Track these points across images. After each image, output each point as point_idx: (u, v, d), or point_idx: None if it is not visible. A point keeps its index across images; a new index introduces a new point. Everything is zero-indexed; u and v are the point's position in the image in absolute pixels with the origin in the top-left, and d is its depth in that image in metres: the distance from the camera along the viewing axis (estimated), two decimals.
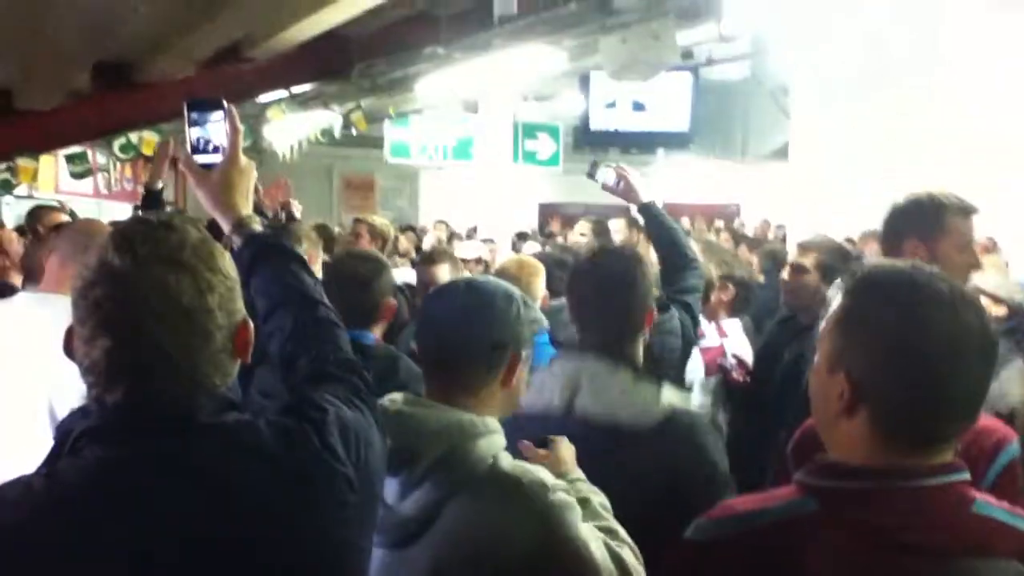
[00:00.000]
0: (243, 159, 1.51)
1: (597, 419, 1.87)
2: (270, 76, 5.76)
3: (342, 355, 1.36)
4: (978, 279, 3.42)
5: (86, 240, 2.35)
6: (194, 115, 1.52)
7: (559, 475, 1.61)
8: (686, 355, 2.75)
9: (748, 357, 3.38)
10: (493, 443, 1.52)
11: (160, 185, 3.61)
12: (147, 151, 7.74)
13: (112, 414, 1.10)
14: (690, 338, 2.72)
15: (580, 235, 5.73)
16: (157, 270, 1.10)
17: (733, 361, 3.30)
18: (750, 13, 4.52)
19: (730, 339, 3.32)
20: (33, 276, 3.09)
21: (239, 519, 1.10)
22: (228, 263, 1.19)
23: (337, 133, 8.60)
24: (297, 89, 6.81)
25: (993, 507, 1.18)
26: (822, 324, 1.25)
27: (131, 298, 1.09)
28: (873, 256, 5.59)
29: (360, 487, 1.18)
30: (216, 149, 1.51)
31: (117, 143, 7.52)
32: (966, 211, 2.31)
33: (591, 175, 3.11)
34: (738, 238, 8.45)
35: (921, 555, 1.13)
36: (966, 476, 1.18)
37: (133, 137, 7.50)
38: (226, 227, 1.50)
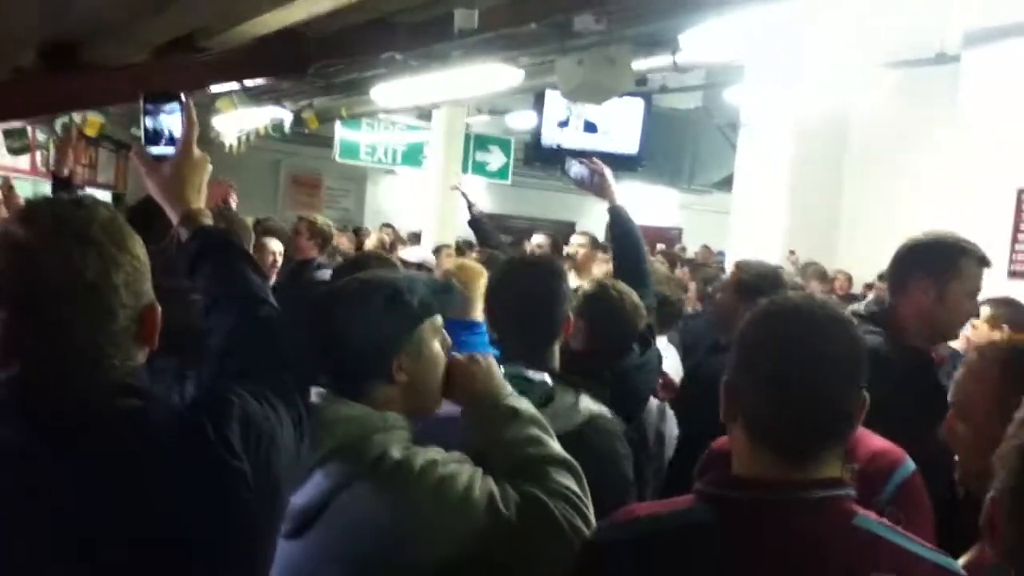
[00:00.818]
0: (197, 153, 1.50)
1: None
2: (223, 69, 5.68)
3: (275, 353, 1.35)
4: None
5: None
6: (149, 106, 1.52)
7: (493, 387, 1.65)
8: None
9: (677, 373, 3.45)
10: (392, 437, 1.52)
11: (66, 172, 3.56)
12: (90, 132, 7.59)
13: (5, 388, 1.10)
14: (660, 365, 2.78)
15: (537, 247, 5.72)
16: (61, 243, 1.09)
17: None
18: (706, 47, 4.61)
19: (669, 361, 3.38)
20: None
21: (120, 509, 1.08)
22: (139, 245, 1.17)
23: (287, 129, 8.53)
24: (250, 83, 6.74)
25: (873, 522, 1.25)
26: None
27: (31, 270, 1.08)
28: (816, 292, 5.77)
29: (257, 485, 1.16)
30: (170, 141, 1.50)
31: (59, 122, 7.35)
32: (982, 260, 2.34)
33: (564, 170, 3.08)
34: (675, 260, 8.57)
35: (805, 567, 1.20)
36: (849, 492, 1.26)
37: (76, 117, 7.33)
38: (175, 219, 1.49)
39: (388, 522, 1.46)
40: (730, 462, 1.32)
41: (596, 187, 2.97)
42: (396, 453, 1.50)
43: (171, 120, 1.51)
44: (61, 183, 3.47)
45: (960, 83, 5.83)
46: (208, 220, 1.48)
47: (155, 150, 1.50)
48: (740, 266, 3.14)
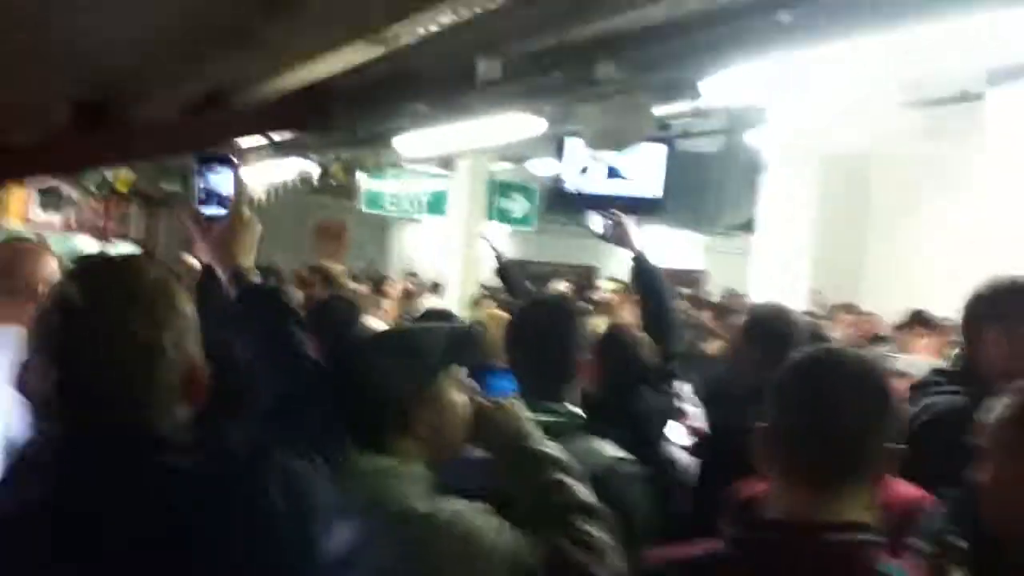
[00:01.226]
0: (247, 213, 1.55)
1: None
2: (251, 124, 5.78)
3: (314, 407, 1.38)
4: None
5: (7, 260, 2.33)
6: (203, 168, 1.59)
7: (519, 431, 1.66)
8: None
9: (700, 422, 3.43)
10: (415, 490, 1.54)
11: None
12: (121, 188, 7.71)
13: (53, 446, 1.11)
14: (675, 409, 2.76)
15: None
16: (112, 303, 1.11)
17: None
18: (726, 91, 4.63)
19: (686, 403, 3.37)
20: None
21: (158, 568, 1.08)
22: (187, 302, 1.19)
23: (315, 182, 8.62)
24: (276, 136, 6.84)
25: (896, 568, 1.26)
26: None
27: (84, 331, 1.09)
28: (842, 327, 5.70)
29: (298, 543, 1.16)
30: (220, 203, 1.57)
31: (92, 180, 7.49)
32: None
33: (583, 223, 3.17)
34: (701, 303, 8.52)
35: None
36: (873, 538, 1.27)
37: (108, 174, 7.46)
38: (224, 277, 1.53)
39: (415, 569, 1.47)
40: (753, 508, 1.35)
41: (617, 237, 3.04)
42: (421, 506, 1.51)
43: (222, 182, 1.58)
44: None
45: (985, 121, 5.82)
46: (256, 278, 1.53)
47: (207, 211, 1.57)
48: (749, 310, 3.14)
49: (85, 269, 1.18)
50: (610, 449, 1.99)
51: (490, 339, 3.27)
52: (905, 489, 1.82)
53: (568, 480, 1.62)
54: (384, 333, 1.77)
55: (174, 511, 1.10)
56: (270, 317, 1.47)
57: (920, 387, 2.29)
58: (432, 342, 1.66)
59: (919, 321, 6.19)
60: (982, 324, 2.20)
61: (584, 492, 1.63)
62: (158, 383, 1.13)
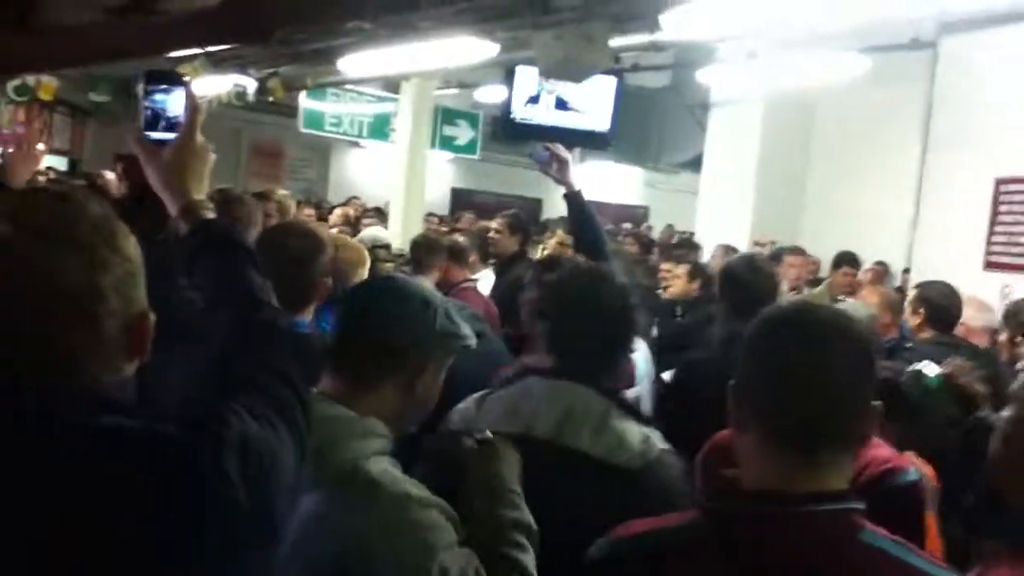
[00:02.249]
0: (199, 140, 1.41)
1: (587, 454, 1.73)
2: (184, 33, 5.48)
3: (276, 364, 1.23)
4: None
5: None
6: (150, 87, 1.45)
7: (503, 482, 1.57)
8: None
9: (647, 373, 3.36)
10: (368, 446, 1.47)
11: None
12: (44, 96, 7.33)
13: None
14: None
15: (495, 231, 5.51)
16: (42, 243, 0.98)
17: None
18: (684, 26, 4.52)
19: (639, 353, 3.26)
20: None
21: (86, 539, 0.94)
22: (133, 245, 1.06)
23: (251, 98, 8.30)
24: (212, 48, 6.53)
25: (881, 538, 1.20)
26: None
27: (6, 272, 0.96)
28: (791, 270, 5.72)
29: (254, 516, 1.04)
30: (170, 126, 1.44)
31: (12, 84, 7.08)
32: None
33: (529, 154, 3.11)
34: (645, 242, 8.47)
35: None
36: (857, 505, 1.20)
37: (30, 80, 7.07)
38: (173, 210, 1.39)
39: (342, 538, 1.39)
40: (728, 461, 1.28)
41: (556, 172, 2.98)
42: (372, 468, 1.43)
43: (172, 103, 1.45)
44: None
45: (937, 70, 5.80)
46: (210, 213, 1.39)
47: (155, 135, 1.43)
48: (726, 262, 3.13)
49: (19, 201, 1.04)
50: (659, 439, 1.80)
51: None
52: (879, 449, 1.77)
53: (525, 539, 1.53)
54: (407, 283, 1.66)
55: (116, 478, 0.96)
56: (225, 257, 1.33)
57: None
58: (452, 317, 1.63)
59: (847, 262, 6.41)
60: None
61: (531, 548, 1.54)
62: (97, 334, 1.00)
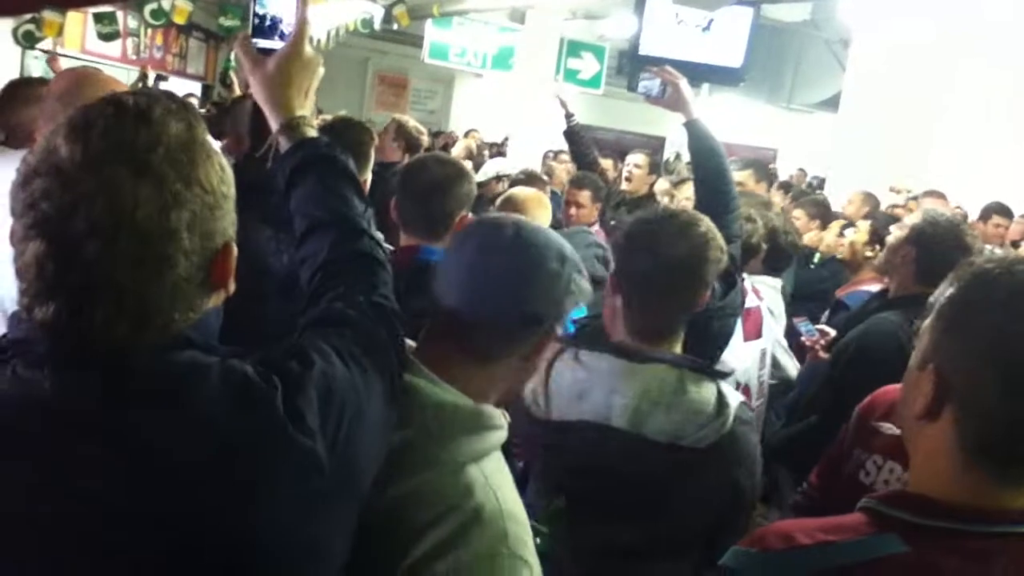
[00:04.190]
0: (308, 51, 1.30)
1: (661, 437, 1.63)
2: None
3: (374, 298, 1.13)
4: None
5: (73, 96, 2.12)
6: None
7: None
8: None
9: (781, 325, 3.17)
10: (484, 444, 1.22)
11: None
12: (178, 19, 7.48)
13: (39, 332, 0.90)
14: (742, 302, 2.46)
15: (635, 167, 5.28)
16: (111, 171, 0.88)
17: (810, 328, 3.00)
18: None
19: (767, 302, 3.08)
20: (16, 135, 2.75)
21: (161, 495, 0.88)
22: (215, 173, 0.95)
23: (377, 25, 8.29)
24: None
25: None
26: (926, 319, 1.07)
27: (73, 201, 0.87)
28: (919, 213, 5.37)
29: (332, 470, 0.95)
30: (281, 35, 1.35)
31: (148, 8, 7.23)
32: None
33: (632, 87, 2.74)
34: (770, 181, 8.09)
35: None
36: None
37: (164, 3, 7.22)
38: (274, 125, 1.30)
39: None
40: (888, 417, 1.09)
41: (669, 100, 2.61)
42: (484, 499, 1.16)
43: (283, 9, 1.36)
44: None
45: None
46: (312, 131, 1.28)
47: (262, 43, 1.36)
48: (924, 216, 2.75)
49: (87, 117, 0.90)
50: (732, 396, 1.68)
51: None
52: None
53: None
54: (532, 233, 1.28)
55: (185, 414, 0.90)
56: (325, 178, 1.23)
57: None
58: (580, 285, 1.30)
59: (998, 211, 5.86)
60: None
61: None
62: (171, 274, 0.91)
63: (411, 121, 4.81)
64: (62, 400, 0.89)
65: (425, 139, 4.48)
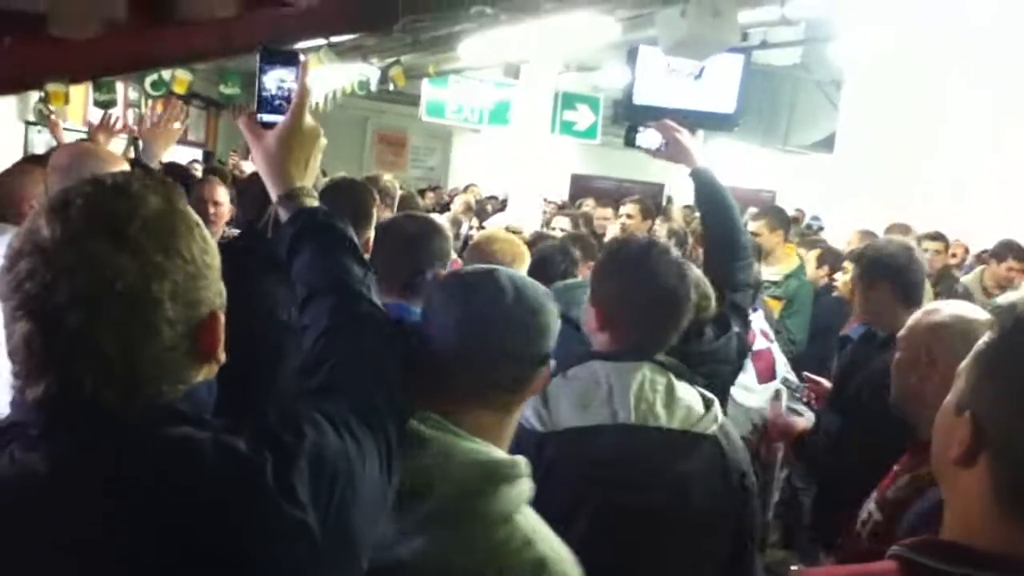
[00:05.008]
0: (308, 122, 1.31)
1: (670, 428, 1.72)
2: (311, 22, 5.57)
3: (371, 363, 1.14)
4: None
5: (72, 171, 2.14)
6: (264, 65, 1.35)
7: None
8: (737, 370, 2.47)
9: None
10: (522, 492, 1.25)
11: (156, 163, 3.27)
12: (178, 89, 7.59)
13: (32, 412, 0.92)
14: (744, 351, 2.46)
15: (626, 218, 5.32)
16: (91, 245, 0.90)
17: (797, 384, 3.01)
18: None
19: (774, 343, 3.10)
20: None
21: (161, 569, 0.88)
22: (195, 244, 0.96)
23: (374, 87, 8.41)
24: (336, 38, 6.63)
25: None
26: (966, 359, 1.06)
27: (55, 277, 0.88)
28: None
29: (326, 540, 0.95)
30: (282, 109, 1.33)
31: (148, 79, 7.37)
32: None
33: (630, 142, 2.72)
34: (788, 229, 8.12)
35: None
36: None
37: (165, 74, 7.34)
38: (273, 196, 1.31)
39: None
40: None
41: (671, 152, 2.60)
42: (545, 549, 1.19)
43: (286, 83, 1.35)
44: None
45: None
46: (311, 200, 1.30)
47: (267, 118, 1.34)
48: (869, 247, 2.80)
49: (66, 196, 0.92)
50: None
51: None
52: None
53: None
54: (534, 286, 1.36)
55: (178, 491, 0.90)
56: (324, 246, 1.24)
57: None
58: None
59: (1015, 252, 5.59)
60: None
61: None
62: (156, 343, 0.92)
63: (385, 176, 4.78)
64: (58, 482, 0.90)
65: (398, 193, 4.46)
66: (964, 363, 1.05)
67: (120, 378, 0.91)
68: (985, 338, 1.04)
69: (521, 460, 1.26)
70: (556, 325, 1.34)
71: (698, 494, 1.69)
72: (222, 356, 1.01)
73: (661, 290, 1.80)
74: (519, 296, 1.30)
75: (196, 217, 1.00)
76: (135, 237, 0.91)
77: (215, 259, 0.99)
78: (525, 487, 1.25)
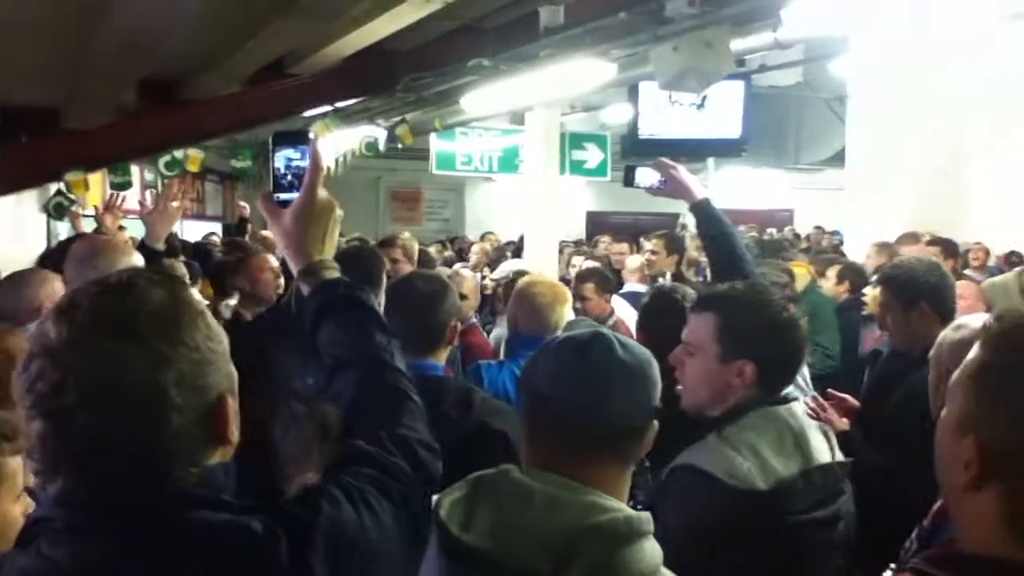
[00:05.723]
0: (322, 197, 1.35)
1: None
2: (315, 91, 5.71)
3: (398, 431, 1.17)
4: None
5: (90, 263, 2.19)
6: (277, 149, 1.41)
7: None
8: None
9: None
10: (657, 550, 1.23)
11: (160, 245, 3.26)
12: (192, 168, 7.75)
13: (54, 507, 0.96)
14: None
15: (651, 254, 5.27)
16: (97, 342, 0.94)
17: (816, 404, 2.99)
18: (807, 19, 4.33)
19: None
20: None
21: None
22: (199, 332, 1.00)
23: (382, 147, 8.54)
24: (342, 103, 6.76)
25: None
26: (956, 373, 1.05)
27: (63, 376, 0.93)
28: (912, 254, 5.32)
29: None
30: (297, 186, 1.38)
31: (162, 160, 7.52)
32: None
33: (628, 182, 2.76)
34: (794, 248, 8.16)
35: None
36: None
37: (178, 154, 7.49)
38: (295, 271, 1.36)
39: None
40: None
41: (670, 189, 2.64)
42: None
43: (299, 163, 1.40)
44: (148, 252, 3.16)
45: None
46: (332, 272, 1.34)
47: (283, 196, 1.38)
48: (894, 265, 2.82)
49: (73, 298, 0.98)
50: None
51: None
52: None
53: None
54: (626, 339, 1.40)
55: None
56: (347, 318, 1.28)
57: None
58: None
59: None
60: None
61: None
62: (167, 430, 0.95)
63: (402, 235, 4.78)
64: (84, 570, 0.93)
65: (416, 249, 4.54)
66: (957, 377, 1.04)
67: (134, 469, 0.95)
68: (979, 354, 1.03)
69: (646, 517, 1.23)
70: (659, 379, 1.38)
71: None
72: (235, 437, 1.03)
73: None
74: (628, 350, 1.35)
75: (202, 306, 1.04)
76: (139, 331, 0.95)
77: (221, 344, 1.03)
78: (657, 546, 1.24)
